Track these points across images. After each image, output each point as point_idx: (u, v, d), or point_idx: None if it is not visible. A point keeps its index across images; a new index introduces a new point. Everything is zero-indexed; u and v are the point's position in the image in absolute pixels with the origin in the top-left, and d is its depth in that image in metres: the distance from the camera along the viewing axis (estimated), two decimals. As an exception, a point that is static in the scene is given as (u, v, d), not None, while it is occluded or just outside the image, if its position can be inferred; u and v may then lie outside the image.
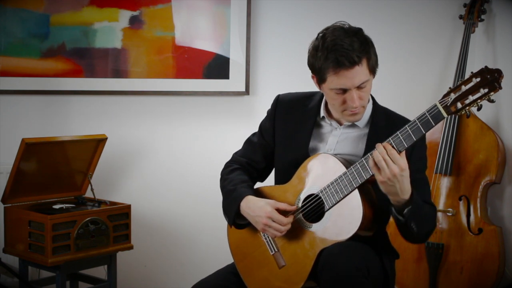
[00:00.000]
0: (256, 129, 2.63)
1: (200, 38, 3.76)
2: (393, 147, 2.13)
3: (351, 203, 2.22)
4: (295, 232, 2.33)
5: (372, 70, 2.29)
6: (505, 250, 3.47)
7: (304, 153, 2.40)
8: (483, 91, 2.02)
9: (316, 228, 2.29)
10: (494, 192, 3.61)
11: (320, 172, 2.33)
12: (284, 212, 2.33)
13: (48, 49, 3.65)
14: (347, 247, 2.19)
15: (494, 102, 2.05)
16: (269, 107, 2.60)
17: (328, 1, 3.84)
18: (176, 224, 3.86)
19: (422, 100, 3.71)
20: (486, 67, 2.02)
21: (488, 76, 2.02)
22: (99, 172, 3.52)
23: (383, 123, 2.37)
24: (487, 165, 3.46)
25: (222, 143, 3.78)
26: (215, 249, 3.70)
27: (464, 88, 2.05)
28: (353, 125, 2.40)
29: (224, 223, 2.52)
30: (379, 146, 2.14)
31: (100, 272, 3.44)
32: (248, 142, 2.62)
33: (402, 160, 2.12)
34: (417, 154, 2.31)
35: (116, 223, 3.28)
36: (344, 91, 2.27)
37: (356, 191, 2.22)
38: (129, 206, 3.35)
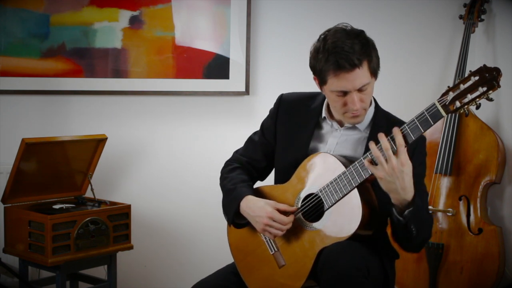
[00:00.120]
0: (256, 129, 2.63)
1: (200, 38, 3.77)
2: (392, 145, 2.13)
3: (351, 202, 2.22)
4: (295, 232, 2.33)
5: (374, 72, 2.27)
6: (505, 250, 3.47)
7: (304, 154, 2.40)
8: (481, 89, 2.02)
9: (316, 227, 2.29)
10: (494, 192, 3.61)
11: (319, 171, 2.33)
12: (284, 213, 2.33)
13: (48, 49, 3.66)
14: (347, 246, 2.18)
15: (493, 100, 2.05)
16: (269, 107, 2.60)
17: (328, 1, 3.84)
18: (176, 224, 3.86)
19: (422, 100, 3.70)
20: (484, 65, 2.02)
21: (487, 75, 2.01)
22: (99, 172, 3.52)
23: (384, 127, 2.33)
24: (487, 165, 3.45)
25: (222, 143, 3.78)
26: (215, 249, 3.70)
27: (462, 86, 2.05)
28: (353, 127, 2.40)
29: (224, 223, 2.52)
30: (381, 136, 2.13)
31: (100, 272, 3.44)
32: (250, 140, 2.62)
33: (404, 155, 2.10)
34: (418, 158, 2.28)
35: (116, 223, 3.28)
36: (345, 93, 2.26)
37: (356, 190, 2.21)
38: (129, 206, 3.35)
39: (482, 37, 3.74)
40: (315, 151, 2.41)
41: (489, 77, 2.01)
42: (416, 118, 2.11)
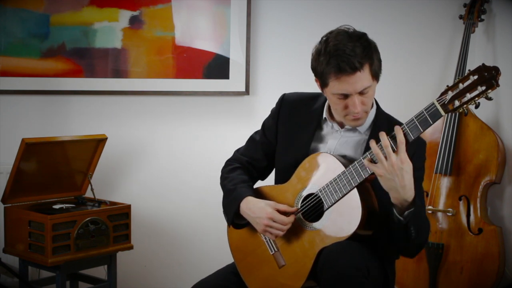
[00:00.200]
0: (255, 129, 2.63)
1: (200, 38, 3.77)
2: (392, 144, 2.13)
3: (351, 202, 2.22)
4: (295, 232, 2.33)
5: (375, 75, 2.26)
6: (505, 250, 3.47)
7: (305, 154, 2.40)
8: (480, 88, 2.02)
9: (316, 227, 2.29)
10: (494, 192, 3.61)
11: (319, 171, 2.33)
12: (284, 213, 2.33)
13: (48, 49, 3.66)
14: (347, 246, 2.18)
15: (492, 99, 2.04)
16: (269, 107, 2.60)
17: (328, 1, 3.84)
18: (176, 224, 3.86)
19: (422, 100, 3.67)
20: (483, 64, 2.02)
21: (486, 74, 2.01)
22: (99, 172, 3.52)
23: (385, 130, 2.33)
24: (487, 165, 3.45)
25: (222, 143, 3.78)
26: (215, 249, 3.70)
27: (461, 86, 2.05)
28: (354, 129, 2.39)
29: (224, 223, 2.52)
30: (382, 135, 2.13)
31: (100, 272, 3.44)
32: (251, 140, 2.62)
33: (404, 153, 2.10)
34: (416, 163, 2.24)
35: (116, 223, 3.28)
36: (346, 96, 2.26)
37: (356, 190, 2.21)
38: (129, 206, 3.35)
39: (482, 37, 3.74)
40: (315, 151, 2.41)
41: (488, 76, 2.01)
42: (415, 118, 2.11)
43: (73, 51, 3.69)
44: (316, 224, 2.29)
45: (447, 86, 2.08)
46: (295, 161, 2.40)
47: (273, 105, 2.58)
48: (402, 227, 2.19)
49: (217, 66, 3.77)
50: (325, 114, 2.43)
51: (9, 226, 3.26)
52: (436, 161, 3.51)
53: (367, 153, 2.19)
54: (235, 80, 3.78)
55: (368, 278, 2.15)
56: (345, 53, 2.19)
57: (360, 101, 2.26)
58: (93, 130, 3.58)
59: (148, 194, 3.82)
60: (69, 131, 3.68)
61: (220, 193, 2.53)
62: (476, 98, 2.03)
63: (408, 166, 2.11)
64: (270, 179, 2.60)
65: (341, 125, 2.41)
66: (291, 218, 2.32)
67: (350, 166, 2.22)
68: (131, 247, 3.36)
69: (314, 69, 2.31)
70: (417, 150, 2.30)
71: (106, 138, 3.41)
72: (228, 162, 2.62)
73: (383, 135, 2.13)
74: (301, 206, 2.34)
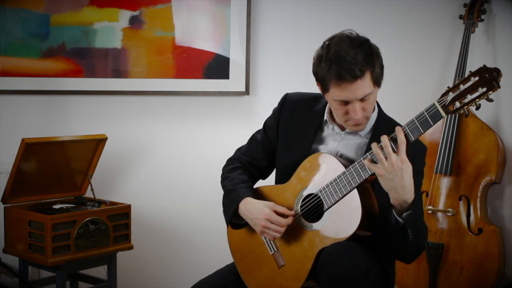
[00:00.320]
0: (255, 129, 2.63)
1: (200, 38, 3.77)
2: (392, 145, 2.13)
3: (350, 203, 2.22)
4: (294, 232, 2.33)
5: (376, 82, 2.25)
6: (505, 250, 3.47)
7: (305, 155, 2.39)
8: (481, 90, 2.02)
9: (315, 227, 2.29)
10: (494, 192, 3.61)
11: (319, 171, 2.33)
12: (282, 215, 2.33)
13: (48, 49, 3.66)
14: (346, 247, 2.18)
15: (493, 101, 2.04)
16: (269, 107, 2.60)
17: (328, 1, 3.84)
18: (176, 224, 3.86)
19: (422, 100, 3.71)
20: (484, 66, 2.02)
21: (487, 75, 2.01)
22: (99, 172, 3.52)
23: (386, 133, 2.30)
24: (487, 165, 3.46)
25: (222, 143, 3.78)
26: (215, 249, 3.70)
27: (462, 87, 2.05)
28: (354, 132, 2.39)
29: (224, 223, 2.52)
30: (382, 136, 2.13)
31: (100, 272, 3.44)
32: (252, 139, 2.62)
33: (404, 154, 2.10)
34: (416, 167, 2.22)
35: (116, 223, 3.28)
36: (347, 102, 2.25)
37: (355, 190, 2.21)
38: (129, 206, 3.35)
39: (482, 37, 3.74)
40: (315, 153, 2.41)
41: (489, 78, 2.01)
42: (416, 119, 2.11)
43: (73, 51, 3.68)
44: (316, 225, 2.29)
45: (448, 87, 2.08)
46: (295, 162, 2.40)
47: (273, 105, 2.58)
48: (399, 228, 2.18)
49: (217, 66, 3.77)
50: (326, 117, 2.43)
51: (9, 226, 3.26)
52: (436, 161, 3.51)
53: (367, 153, 2.19)
54: (235, 80, 3.78)
55: (368, 278, 2.15)
56: (346, 60, 2.18)
57: (360, 107, 2.25)
58: (93, 130, 3.58)
59: (148, 194, 3.82)
60: (69, 131, 3.67)
61: (220, 193, 2.53)
62: (477, 100, 2.03)
63: (408, 166, 2.10)
64: (271, 179, 2.60)
65: (342, 128, 2.40)
66: (289, 220, 2.32)
67: (350, 166, 2.22)
68: (131, 247, 3.36)
69: (315, 73, 2.31)
70: (417, 155, 2.30)
71: (106, 138, 3.41)
72: (229, 162, 2.62)
73: (383, 137, 2.13)
74: (301, 207, 2.34)
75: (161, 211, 3.84)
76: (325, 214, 2.27)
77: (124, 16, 3.70)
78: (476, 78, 2.02)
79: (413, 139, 2.12)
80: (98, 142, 3.40)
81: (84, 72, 3.70)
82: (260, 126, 2.61)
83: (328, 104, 2.42)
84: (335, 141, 2.40)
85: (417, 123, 2.10)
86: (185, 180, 3.86)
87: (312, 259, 2.26)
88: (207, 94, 3.80)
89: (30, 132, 3.56)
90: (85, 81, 3.70)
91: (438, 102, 2.08)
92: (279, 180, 2.49)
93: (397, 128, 2.12)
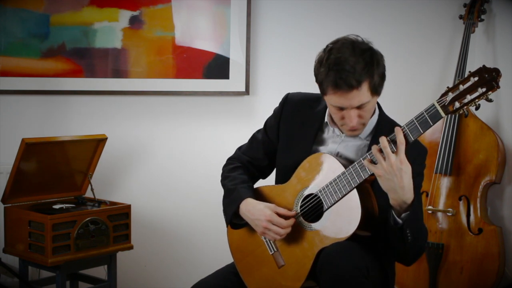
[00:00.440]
0: (256, 129, 2.63)
1: (200, 38, 3.77)
2: (391, 145, 2.13)
3: (350, 203, 2.22)
4: (294, 232, 2.33)
5: (375, 91, 2.24)
6: (505, 250, 3.47)
7: (306, 155, 2.39)
8: (481, 90, 2.01)
9: (315, 227, 2.29)
10: (494, 192, 3.61)
11: (319, 172, 2.33)
12: (283, 216, 2.33)
13: (48, 49, 3.66)
14: (346, 247, 2.18)
15: (492, 101, 2.04)
16: (269, 107, 2.60)
17: (328, 1, 3.84)
18: (176, 224, 3.86)
19: (422, 100, 3.70)
20: (484, 66, 2.01)
21: (486, 75, 2.01)
22: (99, 172, 3.52)
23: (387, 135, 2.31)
24: (487, 165, 3.46)
25: (222, 143, 3.78)
26: (215, 249, 3.70)
27: (462, 87, 2.04)
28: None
29: (224, 223, 2.52)
30: (382, 138, 2.13)
31: (100, 272, 3.44)
32: (253, 138, 2.62)
33: (403, 154, 2.10)
34: (416, 169, 2.22)
35: (116, 223, 3.28)
36: (343, 108, 2.25)
37: (355, 191, 2.21)
38: (129, 206, 3.35)
39: (482, 37, 3.74)
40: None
41: (488, 78, 2.01)
42: (416, 119, 2.11)
43: (73, 51, 3.68)
44: (316, 225, 2.29)
45: (448, 87, 2.08)
46: (295, 162, 2.40)
47: (273, 105, 2.58)
48: (398, 229, 2.18)
49: (217, 66, 3.77)
50: (326, 118, 2.42)
51: (9, 226, 3.26)
52: (436, 161, 3.51)
53: (367, 154, 2.19)
54: (235, 80, 3.79)
55: (368, 278, 2.15)
56: (344, 69, 2.17)
57: (356, 114, 2.25)
58: (93, 130, 3.58)
59: (148, 194, 3.82)
60: (69, 131, 3.67)
61: (220, 193, 2.53)
62: (477, 100, 2.02)
63: (407, 167, 2.10)
64: (271, 179, 2.60)
65: (342, 130, 2.40)
66: (290, 222, 2.32)
67: (350, 166, 2.23)
68: (131, 247, 3.36)
69: (315, 75, 2.30)
70: (418, 156, 2.29)
71: (106, 138, 3.41)
72: (229, 161, 2.62)
73: (382, 137, 2.13)
74: (300, 207, 2.34)
75: (161, 211, 3.85)
76: (325, 214, 2.27)
77: (124, 16, 3.70)
78: (476, 78, 2.02)
79: (413, 139, 2.12)
80: (98, 142, 3.40)
81: (84, 72, 3.70)
82: (260, 126, 2.61)
83: None
84: (335, 143, 2.40)
85: (416, 124, 2.10)
86: (185, 180, 3.86)
87: (312, 259, 2.26)
88: (207, 94, 3.80)
89: (30, 132, 3.56)
90: (85, 81, 3.70)
91: (437, 102, 2.08)
92: (279, 180, 2.49)
93: (396, 129, 2.12)
